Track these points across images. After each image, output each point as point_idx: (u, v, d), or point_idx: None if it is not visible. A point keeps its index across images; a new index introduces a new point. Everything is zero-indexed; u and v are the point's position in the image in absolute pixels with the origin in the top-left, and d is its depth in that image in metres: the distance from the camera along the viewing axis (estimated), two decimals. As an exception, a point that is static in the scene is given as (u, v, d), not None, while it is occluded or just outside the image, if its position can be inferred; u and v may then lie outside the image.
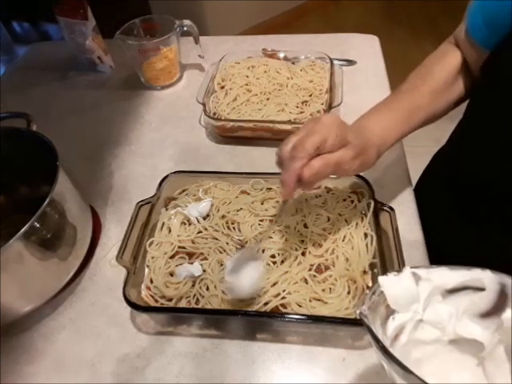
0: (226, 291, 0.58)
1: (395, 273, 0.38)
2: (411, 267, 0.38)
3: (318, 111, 0.83)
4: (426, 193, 0.79)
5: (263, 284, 0.58)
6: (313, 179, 0.51)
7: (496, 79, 0.56)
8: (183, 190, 0.73)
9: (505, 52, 0.53)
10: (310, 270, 0.60)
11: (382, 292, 0.37)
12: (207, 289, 0.60)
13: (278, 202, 0.69)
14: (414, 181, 0.78)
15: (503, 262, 0.61)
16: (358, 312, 0.36)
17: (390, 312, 0.38)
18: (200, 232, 0.66)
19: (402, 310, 0.38)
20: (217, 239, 0.65)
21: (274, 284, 0.59)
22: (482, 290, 0.37)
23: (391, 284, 0.37)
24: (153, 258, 0.64)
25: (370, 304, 0.37)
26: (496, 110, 0.57)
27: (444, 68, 0.66)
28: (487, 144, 0.60)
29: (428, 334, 0.39)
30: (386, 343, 0.35)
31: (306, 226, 0.65)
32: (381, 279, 0.37)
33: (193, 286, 0.60)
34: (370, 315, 0.36)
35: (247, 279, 0.56)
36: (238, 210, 0.68)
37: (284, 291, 0.57)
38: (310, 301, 0.57)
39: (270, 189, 0.71)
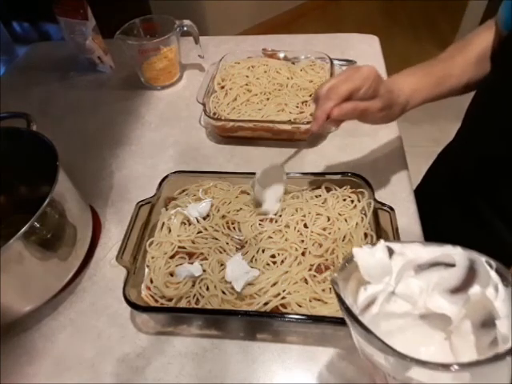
0: (256, 193, 0.67)
1: (370, 245, 0.40)
2: (385, 241, 0.40)
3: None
4: (429, 193, 0.79)
5: (263, 284, 0.58)
6: (340, 118, 0.59)
7: (504, 67, 0.58)
8: (183, 190, 0.73)
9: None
10: (310, 270, 0.60)
11: (355, 262, 0.39)
12: (207, 289, 0.60)
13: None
14: (414, 181, 0.78)
15: (505, 262, 0.61)
16: (329, 278, 0.37)
17: (363, 282, 0.40)
18: (200, 232, 0.66)
19: (374, 281, 0.39)
20: (217, 239, 0.65)
21: (274, 284, 0.59)
22: (453, 266, 0.38)
23: (365, 255, 0.39)
24: (153, 257, 0.64)
25: (342, 273, 0.39)
26: (503, 100, 0.58)
27: (482, 41, 0.69)
28: (495, 134, 0.61)
29: (399, 307, 0.40)
30: (355, 310, 0.37)
31: (305, 225, 0.65)
32: (355, 250, 0.39)
33: (193, 285, 0.60)
34: (340, 282, 0.38)
35: (271, 197, 0.67)
36: (237, 210, 0.68)
37: (284, 291, 0.57)
38: (310, 301, 0.57)
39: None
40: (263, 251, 0.63)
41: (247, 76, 0.92)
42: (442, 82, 0.66)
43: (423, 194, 0.78)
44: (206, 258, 0.63)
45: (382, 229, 0.62)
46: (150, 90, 1.03)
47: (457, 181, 0.72)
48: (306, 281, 0.59)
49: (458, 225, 0.72)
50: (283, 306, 0.57)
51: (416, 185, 0.84)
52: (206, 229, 0.67)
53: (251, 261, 0.62)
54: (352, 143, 0.84)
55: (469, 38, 0.70)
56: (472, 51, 0.68)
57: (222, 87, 0.92)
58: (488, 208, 0.65)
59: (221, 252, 0.64)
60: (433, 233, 0.69)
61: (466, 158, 0.70)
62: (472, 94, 0.69)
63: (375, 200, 0.65)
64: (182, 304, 0.59)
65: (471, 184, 0.68)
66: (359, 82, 0.56)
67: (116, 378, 0.57)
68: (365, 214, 0.65)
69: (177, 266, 0.62)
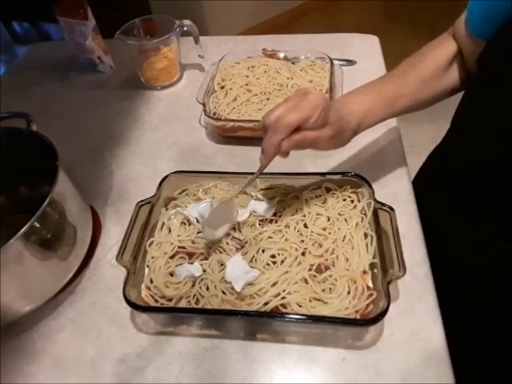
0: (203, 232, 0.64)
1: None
2: None
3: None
4: (422, 192, 0.79)
5: (263, 284, 0.58)
6: (290, 150, 0.56)
7: (490, 70, 0.57)
8: (183, 190, 0.73)
9: (498, 44, 0.54)
10: (310, 270, 0.60)
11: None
12: (207, 289, 0.59)
13: (278, 200, 0.69)
14: (414, 181, 0.78)
15: (500, 259, 0.61)
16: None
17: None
18: (200, 232, 0.66)
19: None
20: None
21: (274, 284, 0.58)
22: None
23: None
24: (153, 257, 0.64)
25: None
26: (490, 102, 0.58)
27: (435, 57, 0.67)
28: (483, 134, 0.60)
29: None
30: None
31: (305, 225, 0.65)
32: None
33: (193, 285, 0.60)
34: None
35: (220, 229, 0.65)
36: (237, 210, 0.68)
37: (284, 291, 0.57)
38: (310, 301, 0.57)
39: (271, 189, 0.71)
40: (263, 251, 0.63)
41: (247, 76, 0.92)
42: (393, 103, 0.65)
43: (418, 193, 0.78)
44: (206, 258, 0.63)
45: (381, 229, 0.62)
46: (149, 90, 1.03)
47: (447, 181, 0.72)
48: (305, 281, 0.59)
49: (454, 223, 0.72)
50: (283, 305, 0.57)
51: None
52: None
53: (251, 261, 0.62)
54: (351, 143, 0.83)
55: (422, 53, 0.68)
56: (425, 69, 0.66)
57: (222, 87, 0.92)
58: (478, 208, 0.65)
59: (221, 252, 0.64)
60: (431, 231, 0.69)
61: (456, 158, 0.69)
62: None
63: (375, 200, 0.65)
64: (182, 304, 0.59)
65: (462, 185, 0.68)
66: (308, 111, 0.53)
67: (116, 378, 0.57)
68: (365, 214, 0.65)
69: (177, 265, 0.62)
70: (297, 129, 0.54)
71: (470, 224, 0.67)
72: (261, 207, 0.68)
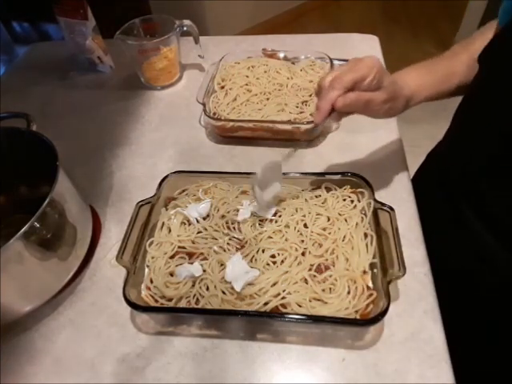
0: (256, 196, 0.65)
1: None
2: None
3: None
4: (421, 191, 0.79)
5: (263, 284, 0.58)
6: (344, 110, 0.57)
7: (492, 66, 0.58)
8: (183, 190, 0.73)
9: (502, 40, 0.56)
10: (310, 269, 0.60)
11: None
12: (207, 289, 0.59)
13: (279, 200, 0.69)
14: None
15: (500, 259, 0.61)
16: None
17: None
18: (200, 232, 0.66)
19: None
20: (217, 239, 0.65)
21: (274, 284, 0.58)
22: None
23: None
24: (153, 257, 0.64)
25: None
26: (491, 100, 0.58)
27: (485, 40, 0.65)
28: (484, 132, 0.60)
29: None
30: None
31: (305, 225, 0.65)
32: None
33: (193, 285, 0.60)
34: None
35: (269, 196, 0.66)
36: (237, 210, 0.68)
37: (284, 291, 0.57)
38: (310, 301, 0.57)
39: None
40: (263, 251, 0.62)
41: (247, 76, 0.92)
42: (446, 80, 0.66)
43: (416, 192, 0.78)
44: (206, 258, 0.63)
45: (381, 229, 0.62)
46: (149, 90, 1.03)
47: (444, 181, 0.72)
48: (306, 281, 0.59)
49: (448, 223, 0.72)
50: (283, 305, 0.57)
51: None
52: (205, 229, 0.67)
53: (251, 261, 0.62)
54: (352, 143, 0.84)
55: (473, 36, 0.70)
56: (476, 49, 0.66)
57: (222, 87, 0.92)
58: (471, 211, 0.65)
59: (221, 252, 0.64)
60: (429, 231, 0.69)
61: (455, 156, 0.69)
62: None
63: (375, 200, 0.65)
64: (182, 304, 0.59)
65: (456, 185, 0.67)
66: (363, 71, 0.55)
67: (116, 378, 0.57)
68: (365, 214, 0.65)
69: (177, 266, 0.62)
70: (352, 90, 0.56)
71: (471, 223, 0.67)
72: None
